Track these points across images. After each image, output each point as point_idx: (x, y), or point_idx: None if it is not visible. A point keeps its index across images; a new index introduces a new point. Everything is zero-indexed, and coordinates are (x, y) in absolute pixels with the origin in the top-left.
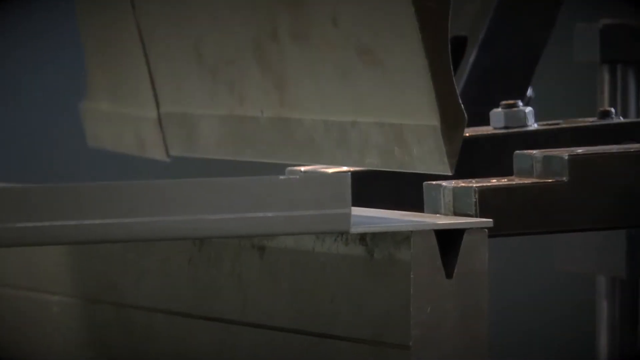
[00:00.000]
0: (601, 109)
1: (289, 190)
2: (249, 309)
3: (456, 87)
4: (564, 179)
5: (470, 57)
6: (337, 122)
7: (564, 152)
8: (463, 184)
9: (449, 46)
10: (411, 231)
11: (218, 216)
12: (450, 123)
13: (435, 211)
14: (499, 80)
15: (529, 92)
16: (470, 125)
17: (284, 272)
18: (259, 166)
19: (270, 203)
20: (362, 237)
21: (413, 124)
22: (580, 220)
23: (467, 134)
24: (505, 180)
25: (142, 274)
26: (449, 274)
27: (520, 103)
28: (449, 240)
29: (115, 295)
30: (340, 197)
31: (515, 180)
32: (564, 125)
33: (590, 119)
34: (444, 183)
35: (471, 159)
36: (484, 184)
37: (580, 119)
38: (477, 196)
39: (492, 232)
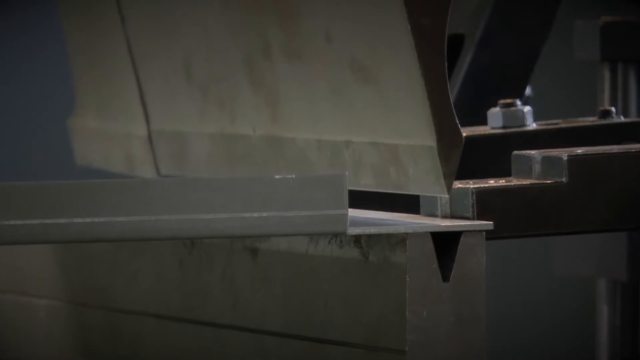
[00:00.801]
0: (601, 108)
1: (284, 190)
2: (240, 313)
3: (453, 107)
4: (564, 180)
5: (468, 56)
6: (331, 142)
7: (564, 153)
8: (460, 185)
9: (446, 63)
10: (407, 233)
11: (211, 216)
12: (446, 143)
13: (432, 213)
14: (497, 79)
15: (528, 91)
16: (467, 124)
17: (276, 275)
18: None
19: (265, 203)
20: (357, 240)
21: (409, 144)
22: (580, 222)
23: (464, 134)
24: (504, 181)
25: (132, 277)
26: (445, 278)
27: (518, 102)
28: (445, 242)
29: (104, 299)
30: (337, 198)
31: (514, 182)
32: (563, 125)
33: (590, 119)
34: None
35: (468, 159)
36: (482, 185)
37: (580, 119)
38: (474, 198)
39: (490, 235)
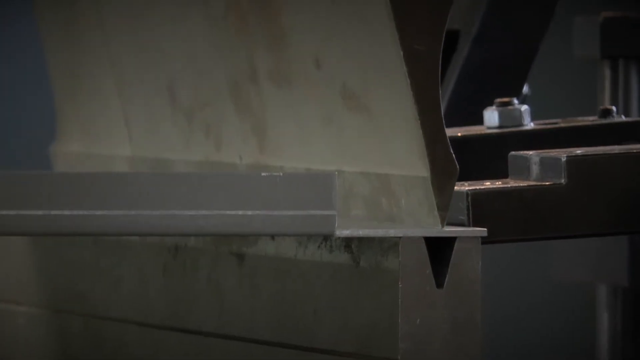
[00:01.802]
0: (602, 107)
1: (270, 188)
2: (226, 320)
3: (447, 135)
4: (562, 181)
5: (463, 53)
6: (320, 171)
7: (562, 154)
8: (455, 187)
9: (440, 91)
10: (400, 237)
11: (194, 212)
12: (440, 173)
13: None
14: (493, 77)
15: (525, 89)
16: (462, 124)
17: (264, 281)
18: None
19: (250, 201)
20: (348, 244)
21: (401, 175)
22: (580, 226)
23: (459, 134)
24: (500, 183)
25: (114, 283)
26: (439, 284)
27: (515, 101)
28: (439, 247)
29: (85, 305)
30: (326, 198)
31: (510, 183)
32: (562, 125)
33: (590, 118)
34: None
35: (463, 160)
36: (477, 187)
37: (579, 118)
38: (469, 200)
39: (486, 239)
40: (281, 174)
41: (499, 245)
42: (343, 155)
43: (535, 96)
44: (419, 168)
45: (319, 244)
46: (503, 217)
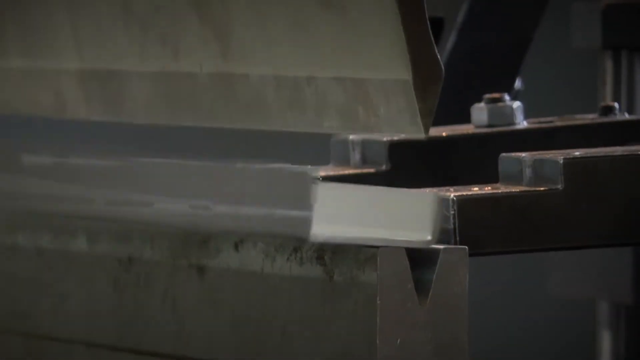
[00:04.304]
0: (603, 103)
1: (242, 182)
2: (185, 340)
3: (431, 34)
4: (559, 186)
5: (448, 43)
6: (290, 78)
7: (559, 155)
8: (439, 193)
9: None
10: (378, 248)
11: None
12: (424, 76)
13: None
14: (482, 70)
15: (517, 84)
16: (447, 123)
17: (226, 297)
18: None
19: (217, 194)
20: (320, 256)
21: (380, 79)
22: (578, 236)
23: (445, 134)
24: (489, 188)
25: (59, 300)
26: (422, 300)
27: (506, 97)
28: (423, 260)
29: (26, 324)
30: (302, 197)
31: (501, 189)
32: (558, 124)
33: (590, 116)
34: None
35: (449, 163)
36: (464, 193)
37: (578, 116)
38: (455, 207)
39: (474, 250)
40: (255, 166)
41: (488, 258)
42: (315, 59)
43: (529, 91)
44: (399, 70)
45: (288, 256)
46: (493, 226)
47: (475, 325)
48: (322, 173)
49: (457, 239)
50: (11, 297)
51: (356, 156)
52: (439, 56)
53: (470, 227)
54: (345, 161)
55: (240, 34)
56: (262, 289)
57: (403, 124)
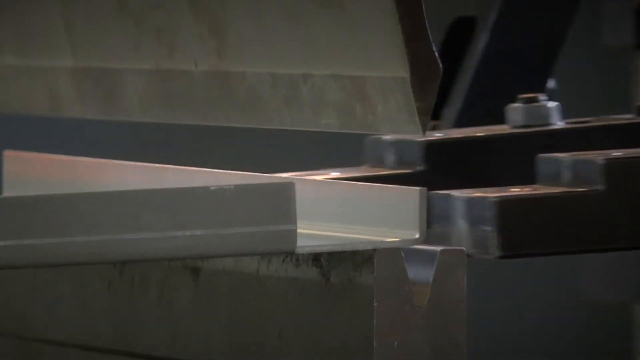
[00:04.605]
0: (638, 103)
1: (221, 203)
2: (179, 343)
3: (429, 31)
4: (599, 187)
5: (480, 43)
6: (287, 75)
7: (598, 156)
8: (478, 194)
9: None
10: (374, 250)
11: (136, 235)
12: (422, 74)
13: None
14: (514, 70)
15: (550, 83)
16: (481, 123)
17: (221, 299)
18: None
19: (200, 219)
20: (316, 257)
21: (377, 76)
22: (618, 238)
23: (480, 134)
24: (529, 189)
25: (54, 302)
26: (419, 302)
27: (542, 97)
28: (420, 261)
29: (21, 326)
30: (284, 211)
31: (540, 190)
32: (595, 124)
33: (627, 116)
34: (454, 193)
35: (485, 163)
36: (503, 195)
37: (614, 116)
38: (495, 209)
39: (513, 252)
40: (232, 186)
41: (519, 260)
42: (312, 57)
43: (562, 91)
44: (397, 68)
45: (284, 258)
46: (532, 228)
47: (505, 328)
48: (357, 174)
49: (497, 241)
50: (5, 299)
51: (391, 157)
52: (436, 54)
53: (510, 228)
54: (379, 162)
55: (235, 30)
56: (257, 290)
57: (401, 122)
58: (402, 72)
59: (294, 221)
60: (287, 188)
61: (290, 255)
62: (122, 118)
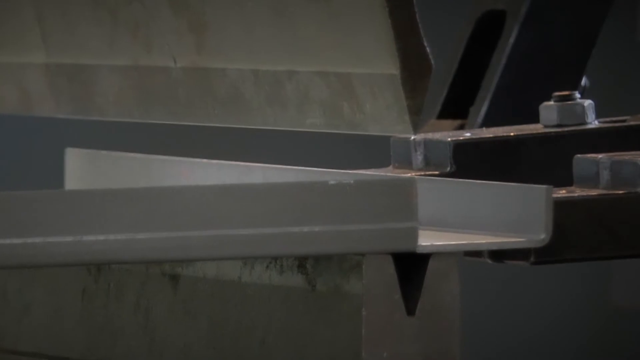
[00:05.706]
0: None
1: (340, 199)
2: (157, 353)
3: (420, 25)
4: (639, 190)
5: (510, 38)
6: (270, 72)
7: (638, 157)
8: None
9: None
10: (363, 256)
11: (250, 231)
12: (412, 70)
13: None
14: (546, 66)
15: (584, 81)
16: (511, 122)
17: (202, 307)
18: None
19: (318, 215)
20: (301, 264)
21: (366, 73)
22: None
23: (512, 134)
24: (564, 191)
25: (24, 310)
26: (410, 311)
27: (577, 95)
28: (411, 267)
29: None
30: (405, 208)
31: (577, 192)
32: (632, 123)
33: None
34: None
35: (517, 164)
36: None
37: None
38: None
39: (550, 258)
40: (352, 181)
41: (545, 266)
42: (297, 53)
43: (595, 89)
44: (387, 64)
45: (267, 264)
46: (569, 232)
47: (532, 334)
48: None
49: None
50: None
51: (418, 157)
52: (428, 50)
53: None
54: (406, 162)
55: (216, 25)
56: (239, 298)
57: (390, 121)
58: (392, 68)
59: (415, 218)
60: (409, 184)
61: (275, 260)
62: (97, 117)
